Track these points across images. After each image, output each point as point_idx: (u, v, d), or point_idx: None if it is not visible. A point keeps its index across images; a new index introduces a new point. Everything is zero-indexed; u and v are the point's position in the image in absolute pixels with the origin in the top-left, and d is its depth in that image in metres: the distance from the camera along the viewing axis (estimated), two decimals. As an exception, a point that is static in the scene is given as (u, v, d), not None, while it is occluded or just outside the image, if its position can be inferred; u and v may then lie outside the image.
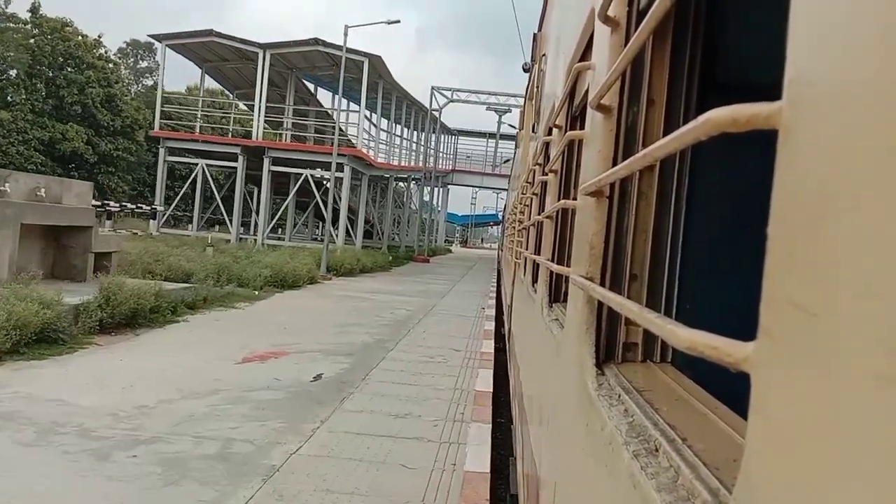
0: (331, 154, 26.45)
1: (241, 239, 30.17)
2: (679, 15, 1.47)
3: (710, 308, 1.92)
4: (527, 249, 5.07)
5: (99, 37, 45.90)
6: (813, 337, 0.47)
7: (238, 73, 35.13)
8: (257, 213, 33.24)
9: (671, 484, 0.89)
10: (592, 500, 1.34)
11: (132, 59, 62.13)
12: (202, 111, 34.45)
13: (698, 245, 2.06)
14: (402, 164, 44.80)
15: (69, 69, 42.57)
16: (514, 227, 9.17)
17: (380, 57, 30.47)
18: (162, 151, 30.67)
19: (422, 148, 47.95)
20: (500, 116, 54.74)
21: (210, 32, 30.65)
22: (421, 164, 46.00)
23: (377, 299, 17.99)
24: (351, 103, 39.59)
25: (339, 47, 25.74)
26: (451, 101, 48.40)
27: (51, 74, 42.29)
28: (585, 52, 2.18)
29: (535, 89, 5.77)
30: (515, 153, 17.18)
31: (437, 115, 46.54)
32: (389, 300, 18.06)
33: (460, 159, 61.78)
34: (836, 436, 0.44)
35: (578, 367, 1.58)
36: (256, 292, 16.54)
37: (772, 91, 0.57)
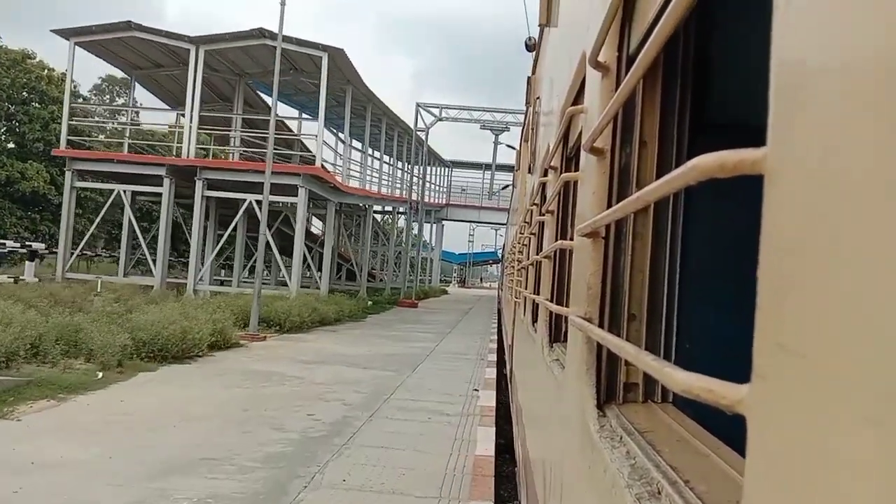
0: (285, 175, 22.03)
1: (195, 288, 23.40)
2: (668, 60, 1.51)
3: (710, 347, 1.92)
4: (526, 289, 5.08)
5: (65, 71, 43.16)
6: (804, 379, 0.48)
7: (177, 82, 27.32)
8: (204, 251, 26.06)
9: (675, 527, 0.88)
10: None
11: (108, 96, 56.21)
12: (126, 125, 28.02)
13: (696, 284, 2.07)
14: (384, 192, 37.30)
15: (35, 104, 38.51)
16: (513, 267, 9.19)
17: (342, 51, 23.37)
18: (68, 175, 23.86)
19: (403, 173, 40.60)
20: (497, 136, 48.43)
21: (129, 25, 23.51)
22: (407, 193, 38.70)
23: (307, 378, 11.36)
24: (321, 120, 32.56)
25: (290, 40, 21.04)
26: (440, 120, 41.03)
27: (12, 109, 38.43)
28: (578, 96, 2.22)
29: (531, 131, 5.84)
30: (514, 183, 16.50)
31: (424, 136, 39.43)
32: (328, 379, 11.44)
33: (455, 193, 56.18)
34: (831, 478, 0.44)
35: (580, 409, 1.57)
36: (100, 374, 10.13)
37: (763, 130, 0.59)
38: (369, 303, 29.21)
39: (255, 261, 35.44)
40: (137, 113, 34.51)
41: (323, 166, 25.72)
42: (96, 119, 29.96)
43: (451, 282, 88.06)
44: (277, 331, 17.76)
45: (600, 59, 1.53)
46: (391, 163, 39.67)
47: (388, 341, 17.98)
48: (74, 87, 42.74)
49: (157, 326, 12.27)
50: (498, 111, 43.51)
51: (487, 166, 54.98)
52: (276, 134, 27.36)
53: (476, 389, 11.27)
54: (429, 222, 50.70)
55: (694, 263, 1.89)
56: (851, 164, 0.45)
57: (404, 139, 39.48)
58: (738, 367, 0.73)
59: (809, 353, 0.47)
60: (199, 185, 22.76)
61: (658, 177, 1.09)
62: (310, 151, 27.48)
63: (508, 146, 44.04)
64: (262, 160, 25.43)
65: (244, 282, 29.10)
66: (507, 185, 46.18)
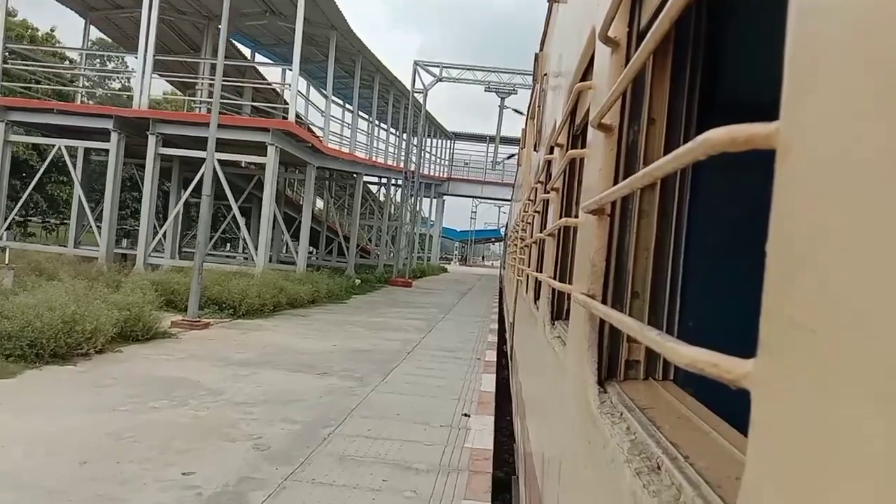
0: (252, 130, 18.97)
1: (146, 261, 19.66)
2: (679, 35, 1.49)
3: (713, 325, 1.92)
4: (529, 266, 5.08)
5: (51, 31, 38.74)
6: (812, 354, 0.48)
7: (138, 25, 22.72)
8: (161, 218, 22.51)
9: (673, 502, 0.89)
10: None
11: (98, 60, 51.45)
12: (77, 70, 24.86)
13: (700, 262, 2.07)
14: (376, 160, 33.03)
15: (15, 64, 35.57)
16: (516, 245, 9.19)
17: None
18: (1, 128, 20.57)
19: (399, 139, 36.24)
20: (503, 100, 42.72)
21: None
22: (403, 163, 34.12)
23: (227, 393, 8.01)
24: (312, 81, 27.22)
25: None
26: (440, 80, 35.92)
27: (-10, 70, 36.52)
28: (586, 72, 2.20)
29: (537, 108, 5.81)
30: (519, 160, 16.03)
31: (423, 99, 34.38)
32: (257, 394, 8.08)
33: (457, 167, 52.91)
34: (836, 453, 0.44)
35: (581, 385, 1.58)
36: None
37: (773, 110, 0.58)
38: (357, 282, 26.15)
39: (222, 232, 31.06)
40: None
41: (310, 129, 23.06)
42: (39, 64, 26.04)
43: (451, 260, 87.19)
44: (231, 315, 14.66)
45: (610, 34, 1.52)
46: (386, 129, 35.93)
47: (366, 331, 14.66)
48: (61, 50, 40.25)
49: (28, 314, 8.96)
50: (504, 71, 38.10)
51: (491, 139, 51.40)
52: (247, 83, 23.31)
53: (466, 414, 7.79)
54: (429, 197, 48.10)
55: (699, 241, 1.89)
56: (866, 138, 0.44)
57: (401, 104, 35.36)
58: (740, 346, 0.73)
59: (819, 329, 0.47)
60: (151, 140, 19.54)
61: (666, 155, 1.09)
62: (277, 98, 23.73)
63: (515, 111, 38.64)
64: (231, 113, 22.70)
65: (211, 254, 26.25)
66: (512, 155, 42.92)
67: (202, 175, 18.56)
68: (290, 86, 20.91)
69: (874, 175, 0.43)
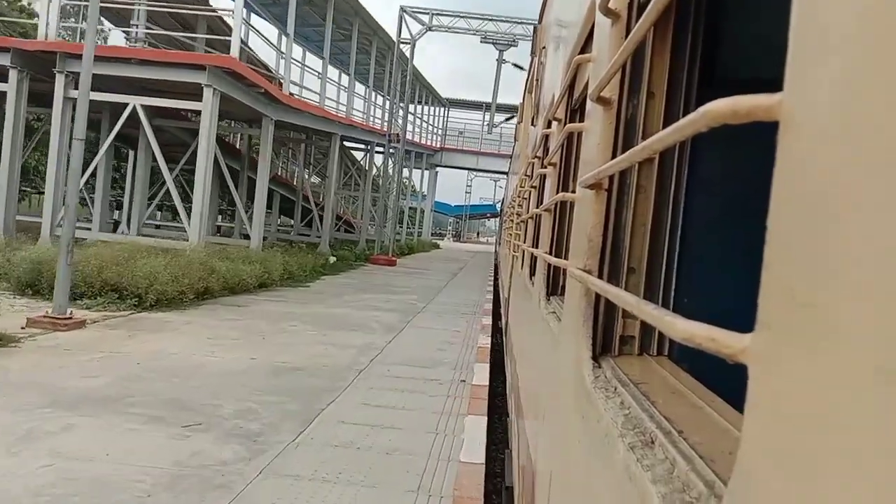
0: (184, 68, 14.97)
1: (53, 232, 15.35)
2: (680, 7, 1.47)
3: (709, 302, 1.93)
4: (525, 242, 5.08)
5: None
6: (811, 329, 0.47)
7: None
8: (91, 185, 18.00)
9: (667, 476, 0.89)
10: (588, 493, 1.34)
11: (73, 20, 50.35)
12: None
13: (697, 238, 2.07)
14: (363, 122, 28.93)
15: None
16: (512, 220, 9.19)
17: None
18: None
19: (385, 100, 32.86)
20: (501, 53, 37.99)
21: None
22: (387, 125, 29.99)
23: None
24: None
25: None
26: (430, 29, 31.91)
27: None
28: (586, 45, 2.17)
29: (535, 82, 5.76)
30: (516, 136, 15.69)
31: (410, 51, 30.43)
32: (25, 495, 3.87)
33: (451, 136, 49.96)
34: (833, 429, 0.44)
35: (575, 360, 1.58)
36: None
37: (773, 85, 0.57)
38: (331, 259, 22.57)
39: (166, 198, 22.91)
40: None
41: (283, 84, 19.19)
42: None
43: (445, 236, 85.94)
44: (134, 307, 10.98)
45: (611, 5, 1.50)
46: (370, 87, 32.45)
47: (313, 330, 10.58)
48: (29, 4, 33.95)
49: None
50: (503, 20, 34.12)
51: (488, 106, 47.57)
52: (179, 7, 17.79)
53: None
54: (420, 168, 45.95)
55: (697, 216, 1.88)
56: (871, 111, 0.43)
57: (386, 59, 31.75)
58: (737, 324, 0.72)
59: (818, 304, 0.47)
60: (60, 80, 15.47)
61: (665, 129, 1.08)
62: (269, 71, 19.72)
63: (515, 65, 34.25)
64: (164, 47, 18.15)
65: (148, 225, 22.76)
66: (511, 116, 40.49)
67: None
68: (233, 13, 16.22)
69: (879, 148, 0.42)
